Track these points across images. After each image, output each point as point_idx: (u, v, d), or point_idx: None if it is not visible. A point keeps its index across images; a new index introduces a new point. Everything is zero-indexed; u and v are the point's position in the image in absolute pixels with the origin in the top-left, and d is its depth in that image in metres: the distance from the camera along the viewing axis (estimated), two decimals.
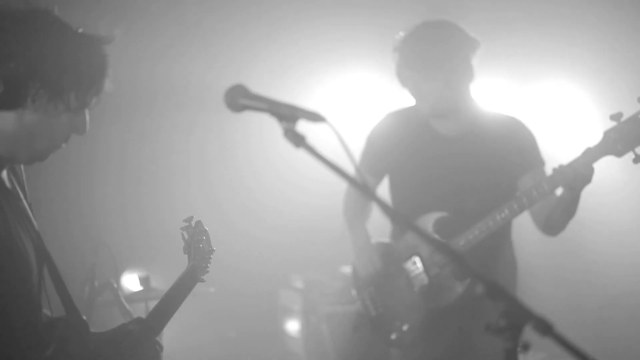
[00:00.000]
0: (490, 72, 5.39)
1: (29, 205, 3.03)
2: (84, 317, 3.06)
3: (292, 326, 7.11)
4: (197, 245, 3.49)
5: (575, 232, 4.72)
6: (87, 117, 2.85)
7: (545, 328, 2.02)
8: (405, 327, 4.53)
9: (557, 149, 5.41)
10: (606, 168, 4.41)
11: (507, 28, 6.62)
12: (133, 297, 5.70)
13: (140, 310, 5.66)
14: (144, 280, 5.82)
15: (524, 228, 4.70)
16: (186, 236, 3.48)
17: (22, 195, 2.98)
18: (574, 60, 6.64)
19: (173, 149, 7.15)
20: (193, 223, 3.52)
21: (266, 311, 7.32)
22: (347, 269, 6.05)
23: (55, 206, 6.30)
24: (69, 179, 6.55)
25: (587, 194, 4.09)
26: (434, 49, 4.28)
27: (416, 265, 4.49)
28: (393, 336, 4.58)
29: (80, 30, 2.80)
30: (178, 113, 7.01)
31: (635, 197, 6.49)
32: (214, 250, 3.56)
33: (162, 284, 6.09)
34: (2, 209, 2.77)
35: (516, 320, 2.07)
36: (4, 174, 2.90)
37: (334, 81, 7.43)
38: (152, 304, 5.67)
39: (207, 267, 3.54)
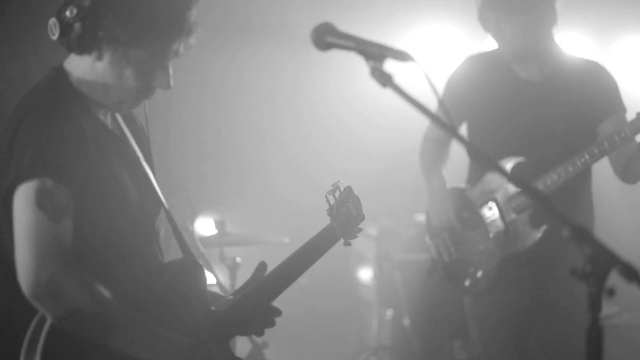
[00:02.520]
0: (569, 26, 5.32)
1: (145, 150, 3.14)
2: (200, 262, 3.10)
3: (365, 273, 7.13)
4: (342, 209, 3.32)
5: None
6: (170, 72, 2.89)
7: (631, 274, 1.99)
8: (479, 274, 4.49)
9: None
10: None
11: None
12: (208, 240, 5.75)
13: (214, 255, 5.71)
14: (219, 224, 5.87)
15: (603, 177, 4.62)
16: (332, 201, 3.33)
17: (132, 141, 3.06)
18: None
19: (255, 89, 7.10)
20: (341, 187, 3.35)
21: (339, 259, 7.31)
22: (421, 218, 6.03)
23: None
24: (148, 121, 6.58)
25: None
26: None
27: (492, 210, 4.45)
28: (467, 283, 4.55)
29: None
30: (257, 50, 6.95)
31: None
32: (364, 217, 3.37)
33: (237, 229, 6.13)
34: (102, 148, 2.83)
35: (602, 265, 2.03)
36: (108, 117, 2.98)
37: (414, 32, 7.35)
38: (227, 250, 5.78)
39: (354, 231, 3.35)
